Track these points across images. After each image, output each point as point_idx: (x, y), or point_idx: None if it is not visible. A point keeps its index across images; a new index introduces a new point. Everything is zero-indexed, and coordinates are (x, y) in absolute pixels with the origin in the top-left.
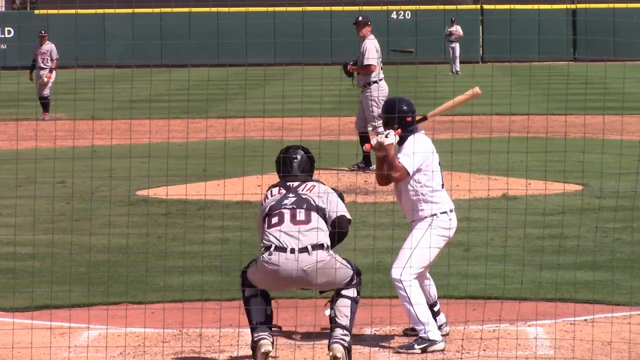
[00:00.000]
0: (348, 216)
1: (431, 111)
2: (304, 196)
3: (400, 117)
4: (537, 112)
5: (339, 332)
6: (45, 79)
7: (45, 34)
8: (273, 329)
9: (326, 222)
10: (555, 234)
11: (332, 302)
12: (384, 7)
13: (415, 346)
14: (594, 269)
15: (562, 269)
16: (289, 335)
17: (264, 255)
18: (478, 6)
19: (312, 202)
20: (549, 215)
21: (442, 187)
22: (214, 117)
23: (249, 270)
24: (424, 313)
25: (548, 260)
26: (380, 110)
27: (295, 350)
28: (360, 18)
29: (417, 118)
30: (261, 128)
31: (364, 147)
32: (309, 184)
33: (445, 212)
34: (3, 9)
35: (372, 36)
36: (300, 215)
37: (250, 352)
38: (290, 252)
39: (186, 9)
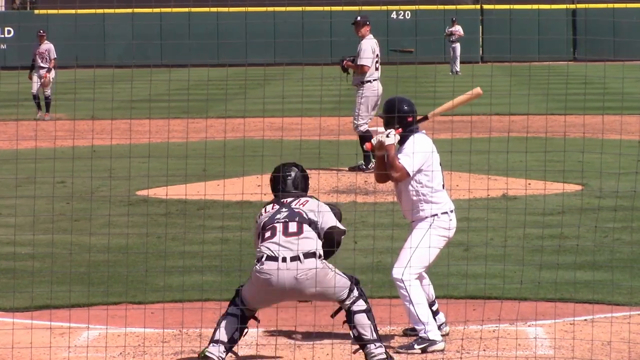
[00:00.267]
0: (342, 227)
1: (432, 111)
2: (296, 210)
3: (401, 117)
4: (537, 112)
5: (372, 347)
6: (44, 79)
7: (44, 34)
8: (229, 354)
9: (319, 234)
10: (555, 234)
11: (349, 322)
12: (384, 7)
13: (415, 346)
14: (594, 269)
15: (561, 269)
16: (289, 335)
17: (256, 266)
18: (478, 6)
19: (305, 216)
20: (549, 215)
21: (443, 188)
22: (213, 117)
23: (244, 287)
24: (424, 312)
25: (548, 260)
26: (367, 111)
27: (295, 350)
28: (358, 18)
29: (418, 118)
30: (261, 128)
31: (364, 146)
32: (303, 199)
33: (446, 213)
34: (3, 9)
35: (370, 36)
36: (293, 227)
37: (250, 352)
38: (282, 261)
39: (186, 9)
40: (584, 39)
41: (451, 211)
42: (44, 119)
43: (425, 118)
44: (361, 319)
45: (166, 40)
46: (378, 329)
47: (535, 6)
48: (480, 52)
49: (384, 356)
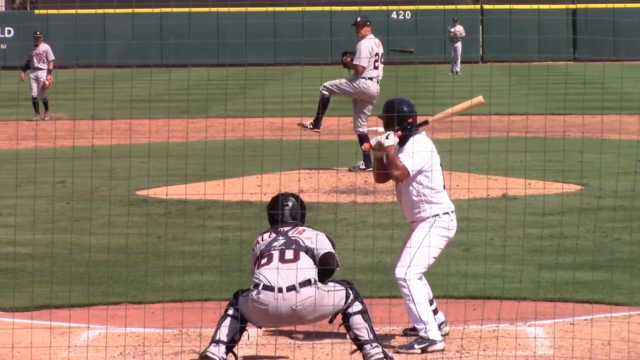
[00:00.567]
0: (333, 251)
1: (433, 116)
2: (293, 238)
3: (401, 118)
4: (536, 112)
5: (369, 348)
6: (47, 82)
7: (40, 35)
8: (229, 354)
9: (315, 261)
10: (555, 233)
11: (345, 323)
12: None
13: (415, 346)
14: (593, 269)
15: (561, 268)
16: (289, 335)
17: (252, 293)
18: (478, 6)
19: (302, 243)
20: (549, 215)
21: (444, 188)
22: (213, 116)
23: (241, 298)
24: (425, 312)
25: (547, 260)
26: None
27: (295, 350)
28: (359, 19)
29: (419, 122)
30: (261, 128)
31: (362, 147)
32: (300, 228)
33: (448, 213)
34: (3, 9)
35: (371, 36)
36: (289, 254)
37: (250, 352)
38: (278, 291)
39: (186, 9)
40: (584, 39)
41: (452, 211)
42: (44, 119)
43: (426, 122)
44: (357, 321)
45: (166, 40)
46: (378, 328)
47: (535, 6)
48: (481, 52)
49: (381, 356)
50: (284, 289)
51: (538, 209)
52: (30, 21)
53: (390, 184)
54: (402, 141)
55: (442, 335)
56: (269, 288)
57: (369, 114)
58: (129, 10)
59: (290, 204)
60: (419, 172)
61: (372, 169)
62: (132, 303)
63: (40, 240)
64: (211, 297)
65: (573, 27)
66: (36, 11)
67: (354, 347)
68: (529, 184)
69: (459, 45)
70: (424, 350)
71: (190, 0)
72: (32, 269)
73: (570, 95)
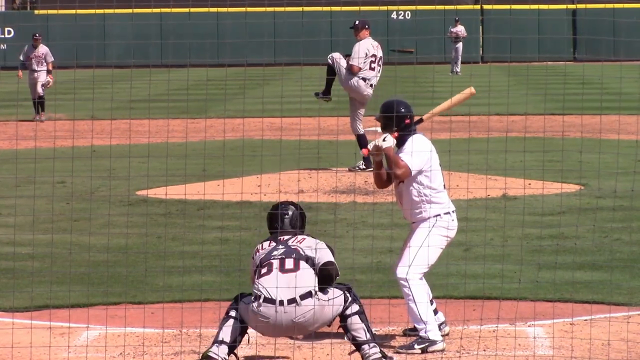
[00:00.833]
0: (333, 259)
1: (427, 113)
2: (293, 247)
3: (399, 118)
4: (535, 112)
5: (366, 348)
6: (50, 81)
7: (39, 37)
8: (231, 354)
9: (315, 270)
10: (554, 234)
11: (343, 324)
12: (384, 7)
13: (415, 346)
14: (593, 269)
15: (561, 268)
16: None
17: (253, 305)
18: (478, 6)
19: (302, 252)
20: (548, 215)
21: (444, 188)
22: (213, 117)
23: (242, 304)
24: (426, 312)
25: (547, 260)
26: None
27: (295, 350)
28: (357, 22)
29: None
30: (260, 128)
31: (362, 152)
32: (300, 237)
33: (448, 213)
34: (3, 9)
35: (368, 38)
36: (289, 264)
37: (250, 352)
38: (279, 305)
39: (186, 9)
40: (584, 39)
41: (453, 211)
42: (41, 120)
43: (421, 120)
44: (354, 321)
45: (166, 40)
46: (377, 329)
47: (535, 6)
48: (481, 52)
49: (379, 355)
50: (285, 302)
51: (537, 209)
52: (30, 21)
53: (389, 185)
54: (401, 142)
55: (442, 336)
56: (270, 301)
57: (362, 114)
58: (129, 11)
59: (290, 212)
60: (419, 172)
61: (372, 169)
62: (132, 303)
63: (40, 240)
64: (211, 297)
65: (573, 27)
66: (36, 11)
67: (353, 347)
68: (529, 184)
69: (460, 45)
70: (424, 351)
71: (190, 0)
72: (32, 269)
73: (569, 96)
